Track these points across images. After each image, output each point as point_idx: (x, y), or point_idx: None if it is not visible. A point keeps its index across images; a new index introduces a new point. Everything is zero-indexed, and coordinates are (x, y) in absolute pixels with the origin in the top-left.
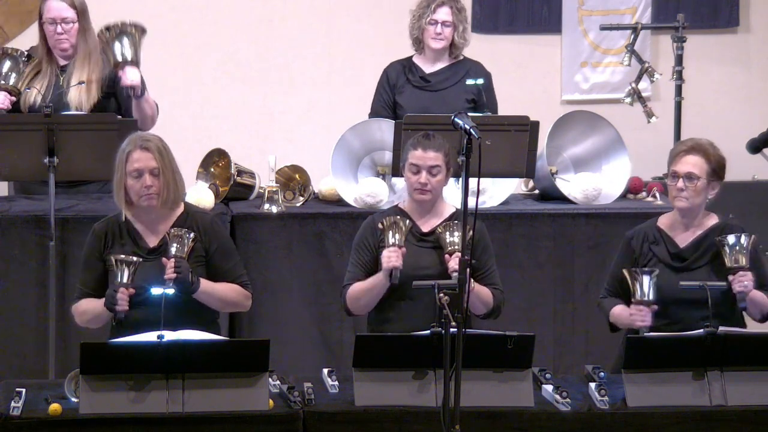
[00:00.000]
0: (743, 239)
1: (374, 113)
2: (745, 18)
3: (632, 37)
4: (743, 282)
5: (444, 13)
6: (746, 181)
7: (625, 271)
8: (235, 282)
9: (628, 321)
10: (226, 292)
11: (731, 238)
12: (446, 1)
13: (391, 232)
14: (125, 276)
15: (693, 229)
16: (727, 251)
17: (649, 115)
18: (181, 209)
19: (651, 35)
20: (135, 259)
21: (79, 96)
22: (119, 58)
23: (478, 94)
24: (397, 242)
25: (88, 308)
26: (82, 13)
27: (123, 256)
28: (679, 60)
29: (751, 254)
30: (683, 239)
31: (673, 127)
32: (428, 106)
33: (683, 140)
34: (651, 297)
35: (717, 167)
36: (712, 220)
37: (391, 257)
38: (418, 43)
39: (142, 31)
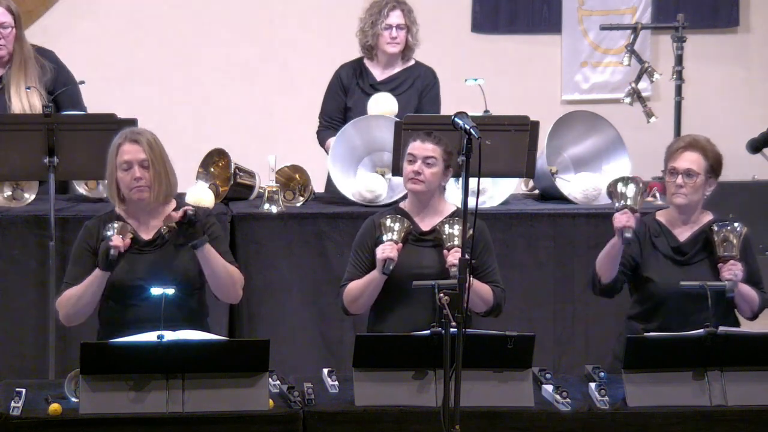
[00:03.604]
0: (735, 229)
1: (326, 114)
2: (745, 18)
3: (632, 37)
4: (732, 270)
5: (397, 17)
6: (746, 181)
7: (611, 182)
8: None
9: (611, 242)
10: (225, 263)
11: (722, 228)
12: (396, 4)
13: (390, 225)
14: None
15: (691, 225)
16: (718, 240)
17: (649, 115)
18: (173, 204)
19: (651, 35)
20: (130, 227)
21: (22, 104)
22: None
23: (429, 101)
24: (394, 238)
25: (74, 290)
26: (18, 19)
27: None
28: (679, 60)
29: (742, 247)
30: (682, 234)
31: (673, 127)
32: None
33: (681, 137)
34: (636, 205)
35: (714, 164)
36: (708, 216)
37: (386, 249)
38: (371, 51)
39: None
